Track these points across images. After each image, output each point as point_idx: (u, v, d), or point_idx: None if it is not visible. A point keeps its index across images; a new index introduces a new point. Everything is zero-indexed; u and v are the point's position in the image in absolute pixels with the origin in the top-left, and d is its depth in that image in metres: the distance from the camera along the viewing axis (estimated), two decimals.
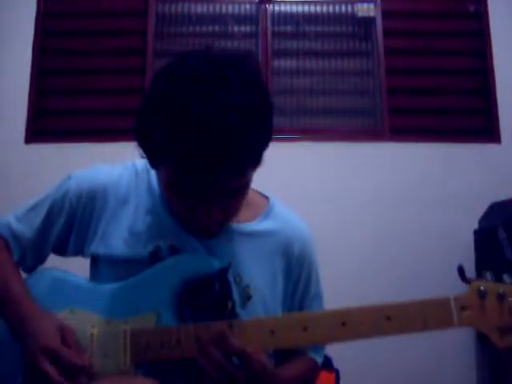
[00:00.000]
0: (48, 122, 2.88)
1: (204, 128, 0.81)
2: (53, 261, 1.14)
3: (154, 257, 1.01)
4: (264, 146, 0.91)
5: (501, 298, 0.87)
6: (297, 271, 1.08)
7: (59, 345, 0.90)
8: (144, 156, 0.92)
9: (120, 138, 2.42)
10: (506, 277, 0.88)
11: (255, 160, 0.90)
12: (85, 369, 0.89)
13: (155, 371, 0.94)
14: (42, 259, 1.11)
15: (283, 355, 1.08)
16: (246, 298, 1.01)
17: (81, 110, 2.88)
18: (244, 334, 0.90)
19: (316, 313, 0.96)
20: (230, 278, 1.00)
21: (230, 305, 0.99)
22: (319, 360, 1.13)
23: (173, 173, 0.88)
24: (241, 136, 0.83)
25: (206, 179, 0.86)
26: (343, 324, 0.90)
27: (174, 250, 1.01)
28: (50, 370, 0.87)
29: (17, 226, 1.07)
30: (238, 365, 0.87)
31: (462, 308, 0.88)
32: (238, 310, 1.00)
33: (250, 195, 1.07)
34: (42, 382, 0.88)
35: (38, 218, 1.07)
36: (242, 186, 0.92)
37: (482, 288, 0.87)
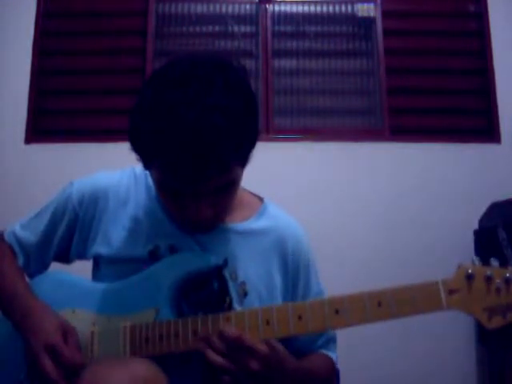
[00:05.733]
0: (48, 121, 2.88)
1: (188, 129, 0.85)
2: (54, 264, 1.17)
3: (153, 256, 1.04)
4: (249, 145, 0.95)
5: (488, 279, 0.88)
6: (293, 268, 1.11)
7: (60, 343, 0.94)
8: (138, 158, 0.96)
9: (120, 138, 2.39)
10: (493, 260, 0.90)
11: (240, 158, 0.94)
12: (79, 368, 0.91)
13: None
14: (45, 264, 1.15)
15: (295, 355, 1.09)
16: (243, 294, 1.04)
17: (81, 109, 2.88)
18: (240, 325, 0.93)
19: (310, 302, 0.97)
20: (227, 275, 1.03)
21: (227, 301, 1.02)
22: (334, 356, 1.15)
23: (162, 173, 0.93)
24: (224, 136, 0.86)
25: (192, 177, 0.89)
26: (336, 312, 0.92)
27: (172, 250, 1.04)
28: (49, 366, 0.91)
29: (21, 233, 1.13)
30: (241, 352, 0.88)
31: (451, 291, 0.89)
32: (236, 305, 1.02)
33: (245, 196, 1.13)
34: (42, 377, 0.91)
35: (41, 224, 1.12)
36: (229, 184, 0.95)
37: (469, 271, 0.89)
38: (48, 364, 0.91)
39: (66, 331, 0.96)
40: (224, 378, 0.88)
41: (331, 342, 1.15)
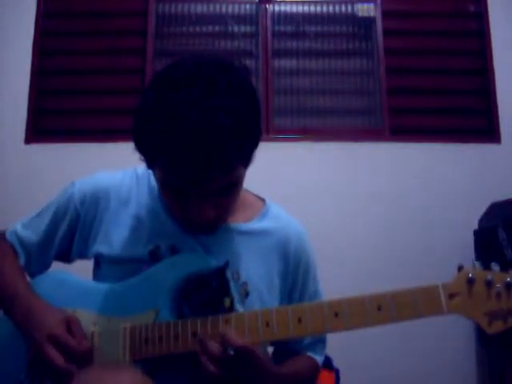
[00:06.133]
0: (48, 121, 2.88)
1: (192, 129, 0.85)
2: (55, 264, 1.17)
3: (154, 256, 1.04)
4: (252, 145, 0.95)
5: (489, 284, 0.88)
6: (294, 269, 1.11)
7: (65, 333, 0.94)
8: (141, 158, 0.96)
9: (120, 138, 2.42)
10: (493, 265, 0.89)
11: (243, 159, 0.94)
12: (87, 354, 0.93)
13: (154, 367, 0.96)
14: (46, 264, 1.15)
15: (283, 356, 1.09)
16: (244, 294, 1.04)
17: (81, 109, 2.88)
18: (240, 327, 0.93)
19: (310, 304, 0.97)
20: (229, 276, 1.03)
21: (228, 301, 1.02)
22: (319, 359, 1.14)
23: (165, 173, 0.93)
24: (227, 136, 0.87)
25: (195, 178, 0.90)
26: (336, 315, 0.91)
27: (173, 250, 1.04)
28: (55, 355, 0.91)
29: (23, 233, 1.14)
30: (235, 359, 0.89)
31: (451, 295, 0.89)
32: (237, 305, 1.02)
33: (247, 197, 1.13)
34: (47, 368, 0.92)
35: (42, 224, 1.13)
36: (232, 184, 0.96)
37: (470, 275, 0.89)
38: (53, 352, 0.91)
39: (69, 322, 0.97)
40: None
41: (319, 342, 1.15)
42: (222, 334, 0.89)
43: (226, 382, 0.89)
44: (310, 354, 1.13)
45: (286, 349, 1.12)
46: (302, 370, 1.09)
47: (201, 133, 0.85)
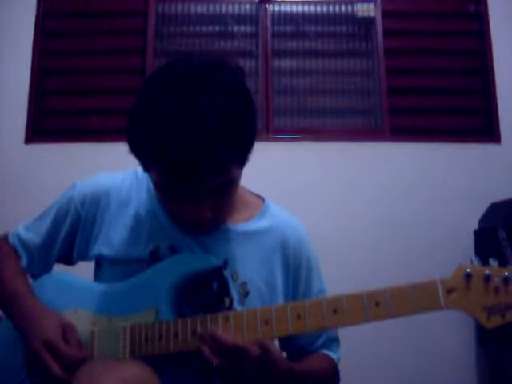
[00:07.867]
0: (48, 121, 2.89)
1: (185, 131, 0.85)
2: (56, 265, 1.17)
3: (154, 257, 1.05)
4: (247, 146, 0.94)
5: (487, 279, 0.88)
6: (295, 267, 1.11)
7: (60, 339, 0.95)
8: (137, 161, 0.96)
9: (120, 138, 2.41)
10: (491, 261, 0.89)
11: (238, 159, 0.94)
12: (80, 363, 0.93)
13: (154, 366, 0.95)
14: (48, 266, 1.16)
15: (296, 356, 1.09)
16: (244, 294, 1.04)
17: (81, 109, 2.88)
18: (239, 325, 0.93)
19: (308, 301, 0.97)
20: (227, 276, 1.03)
21: (227, 301, 1.02)
22: (335, 356, 1.14)
23: (160, 175, 0.93)
24: (220, 137, 0.86)
25: (189, 179, 0.90)
26: (335, 311, 0.91)
27: (173, 250, 1.05)
28: (50, 361, 0.92)
29: (25, 235, 1.15)
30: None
31: (449, 290, 0.89)
32: (237, 306, 1.03)
33: (246, 196, 1.13)
34: (43, 373, 0.93)
35: (44, 226, 1.13)
36: (228, 184, 0.95)
37: (468, 270, 0.89)
38: (49, 359, 0.92)
39: (65, 328, 0.97)
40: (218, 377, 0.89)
41: (333, 341, 1.15)
42: (211, 334, 0.88)
43: (237, 377, 0.88)
44: (324, 351, 1.13)
45: (301, 350, 1.11)
46: (318, 367, 1.09)
47: (192, 135, 0.85)
